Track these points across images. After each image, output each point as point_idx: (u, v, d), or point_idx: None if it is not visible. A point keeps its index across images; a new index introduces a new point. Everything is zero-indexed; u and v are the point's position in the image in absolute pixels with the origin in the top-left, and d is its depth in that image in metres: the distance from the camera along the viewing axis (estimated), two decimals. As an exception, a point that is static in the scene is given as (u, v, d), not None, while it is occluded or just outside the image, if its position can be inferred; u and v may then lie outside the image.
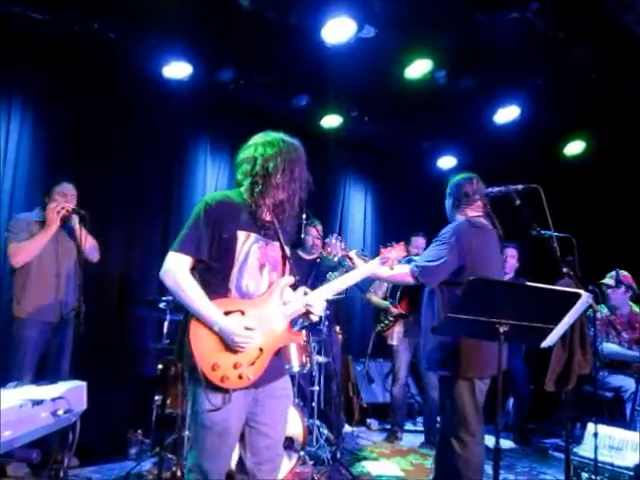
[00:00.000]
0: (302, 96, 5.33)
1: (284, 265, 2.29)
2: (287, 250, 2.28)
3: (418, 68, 4.72)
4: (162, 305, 3.88)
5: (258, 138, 2.27)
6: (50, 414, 2.08)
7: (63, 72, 4.56)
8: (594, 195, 6.13)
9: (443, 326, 2.43)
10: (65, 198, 3.72)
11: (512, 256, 5.16)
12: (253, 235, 2.16)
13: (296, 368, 3.81)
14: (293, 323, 2.29)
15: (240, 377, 2.06)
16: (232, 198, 2.20)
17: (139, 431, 4.19)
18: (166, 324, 3.91)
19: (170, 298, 3.88)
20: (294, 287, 2.28)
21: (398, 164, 6.69)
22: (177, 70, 4.71)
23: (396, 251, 2.40)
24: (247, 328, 2.07)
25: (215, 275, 2.12)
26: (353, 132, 5.89)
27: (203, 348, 2.04)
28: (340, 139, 5.96)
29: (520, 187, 2.79)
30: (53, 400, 2.11)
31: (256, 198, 2.16)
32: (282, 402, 2.27)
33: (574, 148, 5.97)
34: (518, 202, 2.74)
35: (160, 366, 3.99)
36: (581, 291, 2.27)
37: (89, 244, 3.76)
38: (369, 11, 4.10)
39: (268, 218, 2.23)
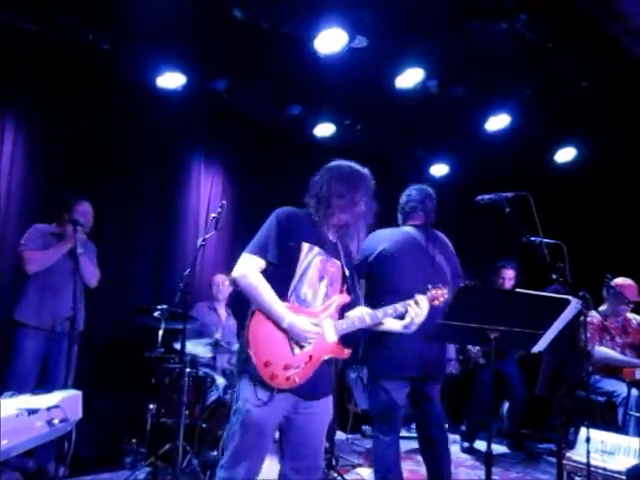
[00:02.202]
0: (295, 105, 5.37)
1: (343, 283, 2.43)
2: (347, 270, 2.44)
3: (410, 77, 4.77)
4: (156, 314, 3.90)
5: (327, 165, 2.51)
6: (45, 423, 2.09)
7: (57, 82, 4.57)
8: (585, 202, 6.19)
9: (436, 332, 2.46)
10: (86, 218, 3.88)
11: (510, 279, 5.17)
12: (316, 248, 2.34)
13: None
14: (344, 343, 2.40)
15: (288, 379, 2.20)
16: (303, 213, 2.42)
17: (134, 440, 4.18)
18: (160, 332, 3.91)
19: (165, 307, 3.90)
20: (350, 306, 2.44)
21: (391, 172, 6.71)
22: (171, 80, 4.74)
23: (442, 291, 2.42)
24: (315, 324, 2.25)
25: (278, 281, 2.29)
26: (346, 140, 5.93)
27: (260, 343, 2.21)
28: (333, 148, 6.00)
29: (510, 195, 2.83)
30: (48, 409, 2.12)
31: (321, 217, 2.37)
32: (320, 418, 2.36)
33: (565, 155, 6.03)
34: (508, 210, 2.77)
35: (155, 374, 4.00)
36: (570, 297, 2.30)
37: (89, 270, 3.95)
38: (360, 22, 4.15)
39: (332, 238, 2.43)
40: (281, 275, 2.30)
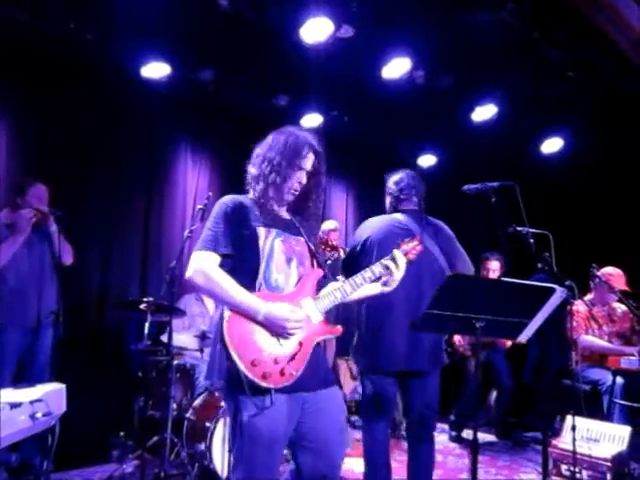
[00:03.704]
0: (282, 96, 5.33)
1: (312, 260, 2.23)
2: (312, 246, 2.24)
3: (396, 67, 4.75)
4: (143, 306, 3.86)
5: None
6: (28, 417, 2.07)
7: (39, 73, 4.49)
8: (571, 192, 6.23)
9: (421, 322, 2.45)
10: (40, 200, 3.70)
11: (493, 270, 5.15)
12: (274, 230, 2.13)
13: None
14: (329, 317, 2.18)
15: (282, 373, 1.95)
16: (245, 200, 2.19)
17: (121, 433, 4.16)
18: (147, 325, 3.88)
19: (151, 299, 3.87)
20: (323, 283, 2.25)
21: (378, 163, 6.70)
22: (155, 70, 4.69)
23: (413, 243, 2.30)
24: (292, 310, 2.00)
25: (243, 274, 2.05)
26: (333, 132, 5.91)
27: (241, 344, 1.93)
28: (320, 139, 5.96)
29: (496, 185, 2.82)
30: (31, 403, 2.10)
31: (262, 196, 2.15)
32: (332, 416, 2.10)
33: (551, 146, 6.05)
34: (494, 199, 2.77)
35: (141, 367, 3.98)
36: (555, 286, 2.30)
37: (62, 248, 3.72)
38: (347, 11, 4.12)
39: (286, 216, 2.22)
40: (245, 267, 2.06)
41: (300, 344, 2.02)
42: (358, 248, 3.12)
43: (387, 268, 2.17)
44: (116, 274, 4.93)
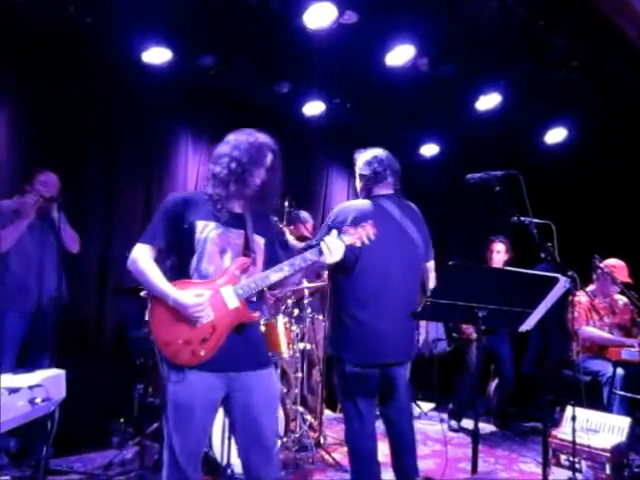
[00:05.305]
0: (284, 83, 5.28)
1: (247, 251, 2.36)
2: (252, 237, 2.35)
3: (400, 54, 4.70)
4: (143, 293, 3.85)
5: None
6: (27, 402, 2.06)
7: (38, 57, 4.44)
8: (574, 182, 6.19)
9: (423, 311, 2.44)
10: (46, 187, 3.71)
11: (498, 251, 5.17)
12: (212, 223, 2.28)
13: (285, 354, 3.98)
14: (255, 308, 2.32)
15: (193, 353, 2.16)
16: (196, 195, 2.39)
17: (121, 420, 4.17)
18: (147, 312, 3.87)
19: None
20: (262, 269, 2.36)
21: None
22: (156, 55, 4.64)
23: (365, 230, 2.27)
24: (197, 295, 2.18)
25: (180, 265, 2.29)
26: (335, 119, 5.87)
27: (158, 325, 2.23)
28: (322, 126, 5.93)
29: (500, 174, 2.80)
30: (30, 388, 2.09)
31: (216, 191, 2.31)
32: (260, 394, 2.26)
33: (555, 136, 6.01)
34: (498, 188, 2.75)
35: (141, 355, 3.98)
36: (558, 275, 2.29)
37: (69, 235, 3.81)
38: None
39: (237, 210, 2.36)
40: (182, 258, 2.29)
41: (213, 327, 2.19)
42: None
43: (321, 254, 2.23)
44: (116, 261, 4.90)
